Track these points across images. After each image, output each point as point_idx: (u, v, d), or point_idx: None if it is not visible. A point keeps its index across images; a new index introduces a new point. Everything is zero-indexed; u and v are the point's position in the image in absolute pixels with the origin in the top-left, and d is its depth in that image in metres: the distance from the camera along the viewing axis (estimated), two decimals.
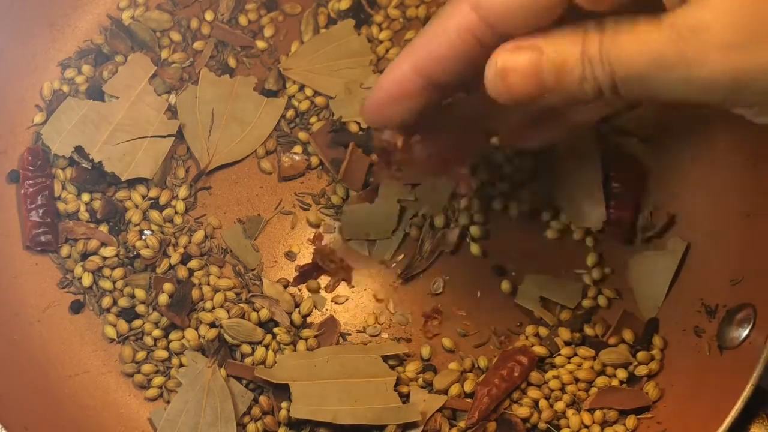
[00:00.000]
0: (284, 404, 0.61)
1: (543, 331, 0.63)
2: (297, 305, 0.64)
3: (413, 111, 0.48)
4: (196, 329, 0.63)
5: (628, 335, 0.63)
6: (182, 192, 0.66)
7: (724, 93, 0.41)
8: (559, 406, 0.62)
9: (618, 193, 0.64)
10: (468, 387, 0.62)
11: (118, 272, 0.64)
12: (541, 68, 0.42)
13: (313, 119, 0.67)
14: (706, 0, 0.39)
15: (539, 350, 0.63)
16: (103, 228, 0.65)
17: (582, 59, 0.42)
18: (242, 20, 0.69)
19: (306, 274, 0.65)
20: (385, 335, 0.64)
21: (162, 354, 0.63)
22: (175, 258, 0.65)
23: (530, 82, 0.43)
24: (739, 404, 0.54)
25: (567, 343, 0.63)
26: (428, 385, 0.63)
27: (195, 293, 0.64)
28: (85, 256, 0.65)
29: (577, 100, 0.43)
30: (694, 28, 0.39)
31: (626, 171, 0.64)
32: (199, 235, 0.65)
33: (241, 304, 0.64)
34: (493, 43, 0.44)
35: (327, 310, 0.64)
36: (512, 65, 0.43)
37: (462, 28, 0.44)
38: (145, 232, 0.65)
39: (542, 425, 0.62)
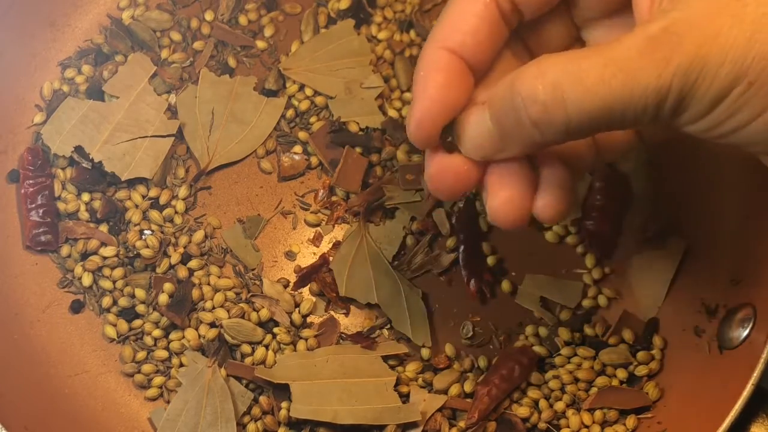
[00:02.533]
0: (284, 404, 0.61)
1: (543, 331, 0.63)
2: (297, 305, 0.64)
3: (466, 99, 0.46)
4: (196, 329, 0.63)
5: (628, 335, 0.63)
6: (182, 192, 0.66)
7: (685, 88, 0.40)
8: (559, 406, 0.62)
9: (600, 205, 0.64)
10: (468, 387, 0.62)
11: (118, 272, 0.64)
12: (483, 123, 0.44)
13: (312, 119, 0.67)
14: (683, 4, 0.40)
15: (539, 350, 0.63)
16: (103, 228, 0.65)
17: (513, 104, 0.42)
18: (242, 20, 0.69)
19: (305, 278, 0.64)
20: (385, 335, 0.64)
21: (162, 354, 0.63)
22: (175, 258, 0.65)
23: (478, 137, 0.45)
24: (739, 404, 0.54)
25: (567, 343, 0.63)
26: (428, 385, 0.63)
27: (195, 293, 0.64)
28: (85, 255, 0.65)
29: (529, 146, 0.44)
30: (668, 26, 0.40)
31: (612, 186, 0.64)
32: (199, 235, 0.65)
33: (241, 304, 0.64)
34: (509, 15, 0.46)
35: (327, 311, 0.64)
36: (464, 122, 0.45)
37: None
38: (145, 231, 0.65)
39: (542, 425, 0.62)
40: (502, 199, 0.46)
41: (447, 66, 0.45)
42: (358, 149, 0.66)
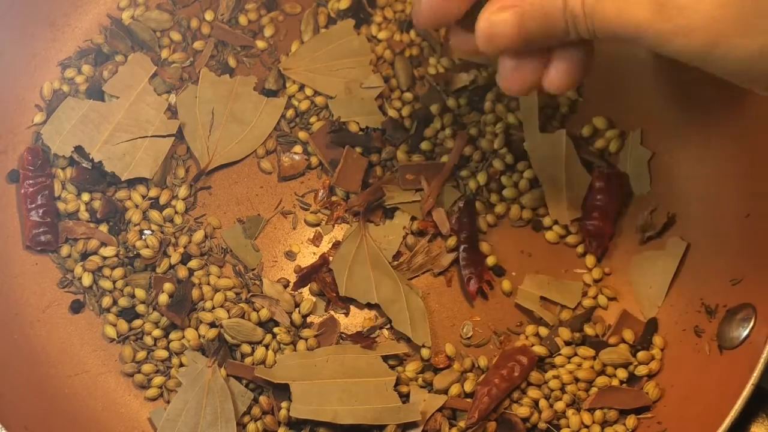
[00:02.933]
0: (284, 404, 0.61)
1: (543, 331, 0.63)
2: (297, 305, 0.64)
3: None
4: (196, 329, 0.63)
5: (628, 335, 0.63)
6: (182, 192, 0.66)
7: (698, 62, 0.44)
8: (559, 406, 0.62)
9: (600, 205, 0.64)
10: (468, 387, 0.62)
11: (118, 272, 0.64)
12: (524, 24, 0.47)
13: (312, 119, 0.67)
14: None
15: (539, 350, 0.63)
16: (103, 228, 0.65)
17: (564, 15, 0.45)
18: (242, 20, 0.69)
19: (305, 278, 0.64)
20: (385, 335, 0.64)
21: (162, 354, 0.63)
22: (175, 258, 0.65)
23: (515, 40, 0.47)
24: (739, 404, 0.54)
25: (567, 343, 0.63)
26: (428, 385, 0.63)
27: (195, 293, 0.64)
28: (85, 255, 0.65)
29: (559, 43, 0.48)
30: (682, 6, 0.42)
31: (612, 186, 0.64)
32: (199, 235, 0.65)
33: (241, 304, 0.64)
34: None
35: (327, 311, 0.64)
36: (498, 30, 0.47)
37: None
38: (145, 231, 0.65)
39: (542, 425, 0.62)
40: (513, 64, 0.50)
41: None
42: (358, 149, 0.66)
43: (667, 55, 0.45)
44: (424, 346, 0.63)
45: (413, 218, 0.65)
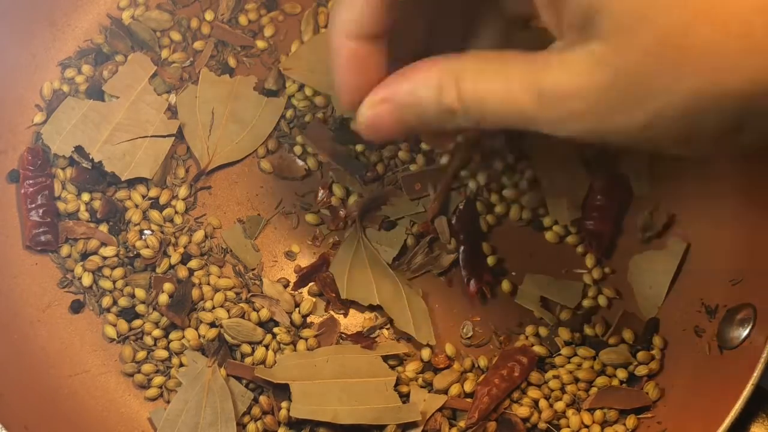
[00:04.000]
0: (284, 404, 0.61)
1: (543, 331, 0.63)
2: (297, 305, 0.64)
3: (372, 77, 0.48)
4: (196, 329, 0.63)
5: (628, 335, 0.63)
6: (182, 192, 0.66)
7: (598, 141, 0.42)
8: (559, 406, 0.62)
9: (600, 205, 0.64)
10: (468, 387, 0.62)
11: (118, 272, 0.64)
12: (402, 118, 0.46)
13: (308, 117, 0.67)
14: (575, 70, 0.40)
15: (539, 350, 0.63)
16: (103, 228, 0.65)
17: (439, 108, 0.45)
18: (242, 20, 0.69)
19: (305, 278, 0.64)
20: (385, 335, 0.64)
21: (162, 354, 0.63)
22: (175, 258, 0.65)
23: (398, 130, 0.47)
24: (739, 404, 0.54)
25: (567, 343, 0.63)
26: (428, 385, 0.63)
27: (195, 293, 0.64)
28: (85, 255, 0.65)
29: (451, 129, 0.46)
30: (564, 96, 0.41)
31: (612, 186, 0.64)
32: (199, 235, 0.65)
33: (241, 304, 0.64)
34: None
35: (327, 311, 0.64)
36: (377, 123, 0.47)
37: None
38: (145, 231, 0.65)
39: (542, 425, 0.62)
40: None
41: (348, 58, 0.48)
42: (359, 146, 0.66)
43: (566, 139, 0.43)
44: (428, 345, 0.63)
45: (413, 222, 0.65)
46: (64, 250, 0.65)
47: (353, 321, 0.64)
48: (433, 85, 0.44)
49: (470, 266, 0.64)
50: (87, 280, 0.64)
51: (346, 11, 0.47)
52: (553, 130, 0.42)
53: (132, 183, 0.66)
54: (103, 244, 0.65)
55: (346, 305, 0.64)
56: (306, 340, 0.63)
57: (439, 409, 0.61)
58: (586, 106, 0.40)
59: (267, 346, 0.63)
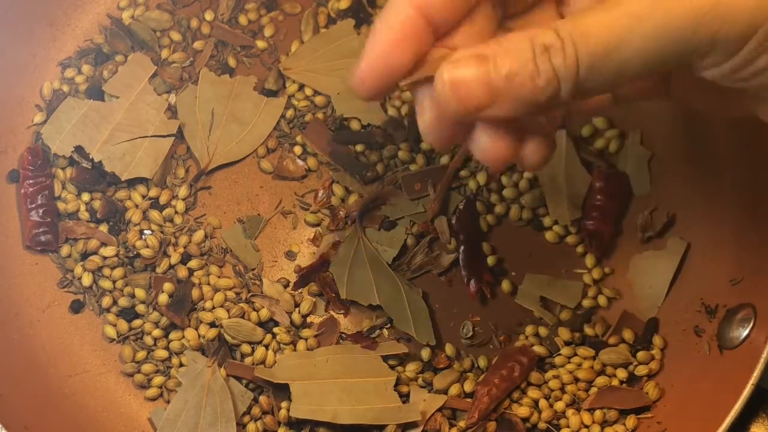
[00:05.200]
0: (284, 404, 0.61)
1: (543, 331, 0.63)
2: (297, 305, 0.64)
3: (413, 60, 0.43)
4: (196, 329, 0.63)
5: (628, 335, 0.63)
6: (182, 192, 0.66)
7: (704, 30, 0.39)
8: (559, 405, 0.62)
9: (600, 205, 0.64)
10: (468, 387, 0.62)
11: (118, 272, 0.64)
12: (489, 73, 0.40)
13: (308, 117, 0.67)
14: None
15: (539, 350, 0.63)
16: (103, 228, 0.65)
17: (533, 50, 0.40)
18: (242, 20, 0.69)
19: (305, 278, 0.64)
20: (385, 335, 0.64)
21: (162, 354, 0.63)
22: (175, 258, 0.65)
23: (480, 89, 0.40)
24: (739, 404, 0.54)
25: (567, 343, 0.63)
26: (428, 385, 0.63)
27: (195, 293, 0.64)
28: (85, 255, 0.65)
29: (528, 102, 0.41)
30: None
31: (612, 186, 0.64)
32: (199, 235, 0.65)
33: (241, 304, 0.64)
34: None
35: (327, 311, 0.64)
36: (460, 76, 0.41)
37: None
38: (145, 231, 0.65)
39: (542, 425, 0.62)
40: (488, 139, 0.43)
41: (404, 25, 0.43)
42: (359, 146, 0.66)
43: (670, 50, 0.39)
44: (428, 345, 0.63)
45: (413, 222, 0.65)
46: (64, 250, 0.65)
47: (353, 321, 0.64)
48: (525, 35, 0.40)
49: (470, 266, 0.64)
50: (87, 280, 0.64)
51: None
52: (661, 24, 0.39)
53: (132, 183, 0.66)
54: (103, 244, 0.65)
55: (346, 305, 0.64)
56: (306, 340, 0.63)
57: (439, 409, 0.61)
58: None
59: (267, 346, 0.63)
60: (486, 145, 0.43)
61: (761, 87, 0.42)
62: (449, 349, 0.63)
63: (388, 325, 0.64)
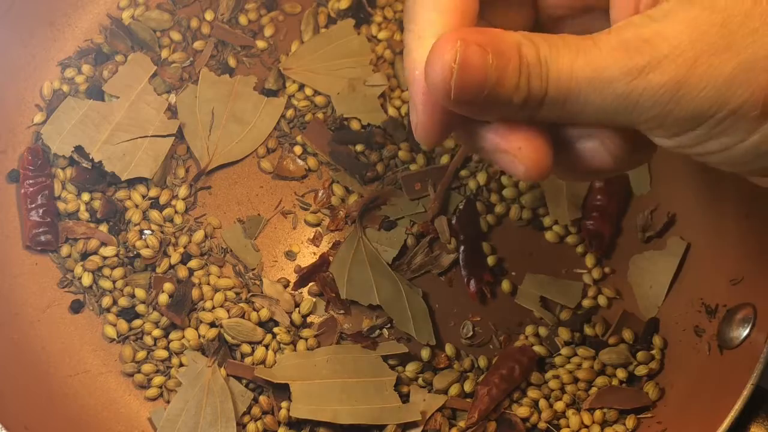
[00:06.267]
0: (284, 404, 0.61)
1: (543, 331, 0.63)
2: (297, 305, 0.64)
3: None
4: (196, 329, 0.63)
5: (628, 335, 0.63)
6: (182, 192, 0.66)
7: (659, 108, 0.40)
8: (559, 405, 0.62)
9: (600, 205, 0.64)
10: (468, 387, 0.62)
11: (118, 272, 0.64)
12: (487, 68, 0.41)
13: (308, 116, 0.67)
14: (662, 15, 0.39)
15: (539, 350, 0.63)
16: (103, 228, 0.65)
17: (520, 64, 0.41)
18: (242, 20, 0.69)
19: (305, 278, 0.64)
20: (385, 335, 0.64)
21: (162, 354, 0.63)
22: (175, 258, 0.65)
23: (478, 81, 0.41)
24: (739, 404, 0.54)
25: (567, 343, 0.63)
26: (428, 385, 0.63)
27: (195, 293, 0.64)
28: (85, 255, 0.65)
29: (501, 110, 0.42)
30: (649, 38, 0.39)
31: (612, 186, 0.64)
32: (199, 235, 0.65)
33: (241, 304, 0.64)
34: None
35: (327, 311, 0.64)
36: (468, 61, 0.40)
37: None
38: (145, 231, 0.65)
39: (542, 425, 0.62)
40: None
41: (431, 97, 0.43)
42: (359, 146, 0.66)
43: (624, 114, 0.41)
44: (428, 345, 0.63)
45: (413, 222, 0.65)
46: (64, 250, 0.65)
47: (353, 321, 0.64)
48: (512, 41, 0.41)
49: (470, 266, 0.64)
50: (87, 280, 0.64)
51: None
52: (627, 89, 0.39)
53: (132, 183, 0.66)
54: (103, 244, 0.65)
55: (346, 305, 0.64)
56: (306, 340, 0.63)
57: (439, 409, 0.61)
58: (675, 43, 0.39)
59: (267, 346, 0.63)
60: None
61: (729, 165, 0.42)
62: (449, 349, 0.63)
63: (388, 325, 0.64)
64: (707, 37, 0.39)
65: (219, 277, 0.65)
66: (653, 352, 0.62)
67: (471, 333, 0.64)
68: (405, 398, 0.62)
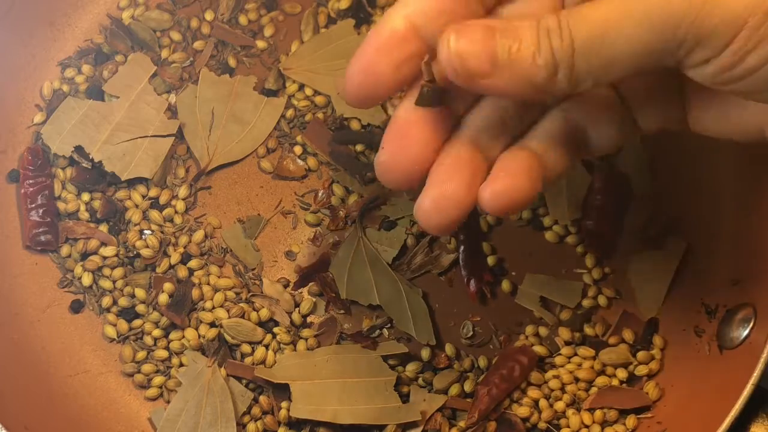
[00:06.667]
0: (284, 404, 0.61)
1: (543, 330, 0.63)
2: (297, 305, 0.64)
3: (407, 76, 0.44)
4: (196, 329, 0.63)
5: (628, 335, 0.63)
6: (182, 192, 0.66)
7: (693, 14, 0.39)
8: (559, 405, 0.62)
9: (600, 205, 0.64)
10: (468, 387, 0.62)
11: (118, 272, 0.64)
12: (494, 44, 0.41)
13: (308, 116, 0.67)
14: None
15: (539, 350, 0.63)
16: (103, 228, 0.65)
17: (537, 30, 0.41)
18: (242, 20, 0.69)
19: (305, 278, 0.64)
20: (385, 335, 0.64)
21: (162, 354, 0.63)
22: (175, 258, 0.65)
23: (484, 58, 0.41)
24: (739, 404, 0.54)
25: (567, 343, 0.63)
26: (428, 385, 0.63)
27: (195, 293, 0.64)
28: (85, 255, 0.65)
29: (529, 84, 0.41)
30: None
31: (612, 186, 0.64)
32: (199, 235, 0.65)
33: (241, 304, 0.64)
34: None
35: (327, 311, 0.64)
36: (466, 42, 0.41)
37: None
38: (145, 231, 0.65)
39: (542, 425, 0.62)
40: (439, 193, 0.44)
41: (392, 38, 0.43)
42: (359, 146, 0.66)
43: (661, 45, 0.40)
44: (428, 345, 0.63)
45: (413, 222, 0.65)
46: (64, 250, 0.65)
47: (353, 321, 0.64)
48: (532, 17, 0.41)
49: (470, 266, 0.64)
50: (87, 280, 0.64)
51: None
52: (651, 15, 0.39)
53: (132, 183, 0.66)
54: (103, 244, 0.65)
55: (346, 305, 0.64)
56: (306, 340, 0.63)
57: (439, 409, 0.61)
58: None
59: (267, 346, 0.63)
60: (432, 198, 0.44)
61: (751, 91, 0.41)
62: (449, 349, 0.63)
63: (389, 325, 0.64)
64: None
65: (219, 277, 0.65)
66: (653, 352, 0.62)
67: (471, 333, 0.64)
68: (405, 398, 0.62)
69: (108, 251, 0.65)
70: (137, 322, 0.64)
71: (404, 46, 0.44)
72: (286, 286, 0.65)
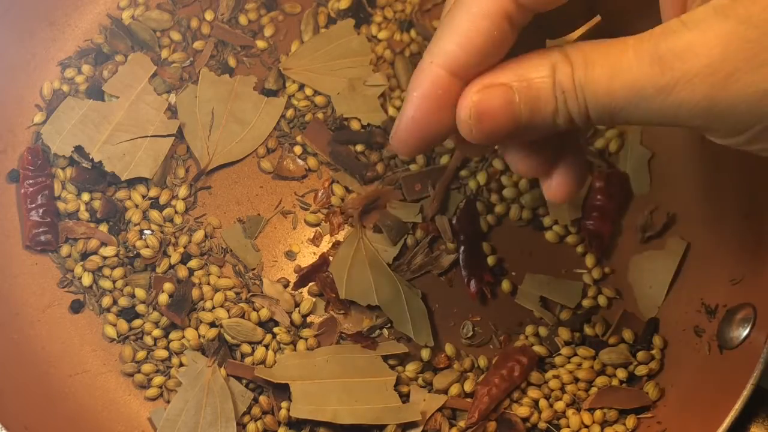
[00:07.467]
0: (284, 404, 0.61)
1: (543, 330, 0.63)
2: (297, 305, 0.64)
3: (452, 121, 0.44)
4: (196, 329, 0.63)
5: (628, 335, 0.63)
6: (182, 191, 0.66)
7: (700, 120, 0.40)
8: (559, 405, 0.62)
9: (600, 205, 0.64)
10: (468, 387, 0.62)
11: (118, 272, 0.64)
12: (514, 106, 0.42)
13: (308, 116, 0.67)
14: (694, 24, 0.39)
15: (539, 350, 0.63)
16: (103, 228, 0.65)
17: (554, 92, 0.42)
18: (242, 20, 0.69)
19: (305, 278, 0.64)
20: (385, 335, 0.64)
21: (162, 354, 0.63)
22: (175, 258, 0.65)
23: (505, 122, 0.42)
24: (739, 404, 0.54)
25: (567, 343, 0.63)
26: (428, 385, 0.63)
27: (195, 293, 0.64)
28: (85, 255, 0.65)
29: (550, 131, 0.43)
30: (681, 52, 0.39)
31: (612, 186, 0.64)
32: (199, 235, 0.65)
33: (241, 304, 0.64)
34: (520, 21, 0.43)
35: (327, 311, 0.64)
36: (485, 107, 0.42)
37: (492, 11, 0.42)
38: (145, 231, 0.65)
39: (542, 425, 0.62)
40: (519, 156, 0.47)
41: (437, 91, 0.43)
42: (359, 146, 0.66)
43: (669, 123, 0.41)
44: (426, 346, 0.63)
45: (414, 223, 0.65)
46: (64, 250, 0.65)
47: (353, 321, 0.64)
48: (547, 65, 0.41)
49: (470, 266, 0.64)
50: (87, 280, 0.64)
51: (450, 40, 0.43)
52: (662, 104, 0.40)
53: (132, 183, 0.66)
54: (103, 244, 0.65)
55: (346, 305, 0.64)
56: (306, 340, 0.63)
57: (439, 409, 0.61)
58: (706, 61, 0.38)
59: (267, 346, 0.63)
60: (519, 161, 0.47)
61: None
62: (449, 349, 0.63)
63: (388, 325, 0.64)
64: (741, 53, 0.38)
65: (219, 277, 0.65)
66: (653, 352, 0.62)
67: (471, 333, 0.64)
68: (405, 398, 0.62)
69: (108, 251, 0.65)
70: (137, 322, 0.64)
71: (449, 96, 0.44)
72: (286, 286, 0.65)
